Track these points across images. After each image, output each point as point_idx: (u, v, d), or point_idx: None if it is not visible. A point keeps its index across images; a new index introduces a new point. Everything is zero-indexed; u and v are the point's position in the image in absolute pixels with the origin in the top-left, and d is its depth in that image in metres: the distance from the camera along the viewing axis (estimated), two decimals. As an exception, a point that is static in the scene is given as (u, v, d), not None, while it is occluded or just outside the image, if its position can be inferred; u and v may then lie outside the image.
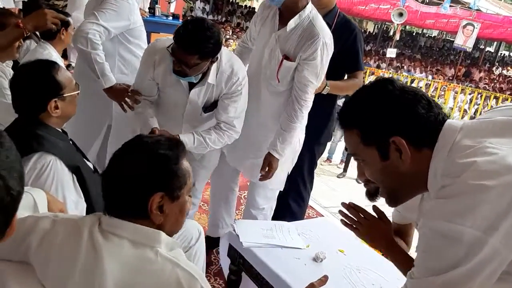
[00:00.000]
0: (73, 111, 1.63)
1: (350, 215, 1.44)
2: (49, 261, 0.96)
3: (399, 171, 0.96)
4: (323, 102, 2.43)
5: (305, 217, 2.95)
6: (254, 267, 1.93)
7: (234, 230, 2.05)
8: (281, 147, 2.23)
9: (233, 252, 2.06)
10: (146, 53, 2.15)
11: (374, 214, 1.44)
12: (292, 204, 2.61)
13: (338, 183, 5.43)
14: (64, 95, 1.56)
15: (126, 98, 2.27)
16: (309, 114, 2.27)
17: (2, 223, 0.57)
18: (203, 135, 2.10)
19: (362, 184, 1.47)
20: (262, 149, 2.30)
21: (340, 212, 1.49)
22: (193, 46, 1.85)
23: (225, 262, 2.28)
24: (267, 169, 2.26)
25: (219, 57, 2.01)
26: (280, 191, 2.55)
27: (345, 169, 5.97)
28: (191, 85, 2.07)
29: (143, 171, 1.02)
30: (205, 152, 2.17)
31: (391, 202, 1.08)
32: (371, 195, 1.41)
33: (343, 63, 2.50)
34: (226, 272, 2.33)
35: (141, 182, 1.02)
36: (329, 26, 2.40)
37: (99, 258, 0.94)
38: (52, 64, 1.58)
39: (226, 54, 2.09)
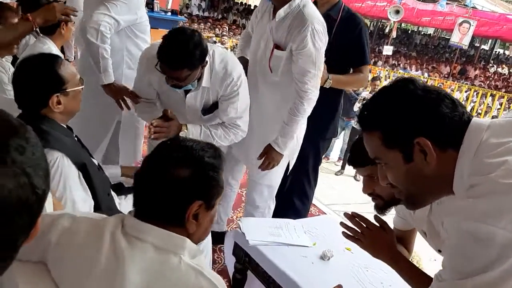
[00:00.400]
0: (77, 106, 1.58)
1: (352, 226, 1.41)
2: (67, 262, 0.93)
3: (423, 174, 0.92)
4: (328, 97, 2.40)
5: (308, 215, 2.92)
6: (260, 265, 1.90)
7: (240, 228, 2.02)
8: (282, 140, 2.22)
9: (238, 251, 2.03)
10: (141, 59, 2.12)
11: (376, 223, 1.41)
12: (296, 202, 2.58)
13: (336, 181, 5.43)
14: (67, 90, 1.51)
15: (126, 97, 2.24)
16: (314, 108, 2.25)
17: (27, 224, 0.53)
18: (210, 129, 2.09)
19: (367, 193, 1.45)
20: (264, 144, 2.28)
21: (342, 224, 1.46)
22: (179, 63, 1.82)
23: (229, 261, 2.25)
24: (264, 158, 2.25)
25: (211, 58, 1.99)
26: (284, 189, 2.53)
27: (343, 167, 5.97)
28: (187, 90, 2.05)
29: (188, 177, 0.97)
30: None
31: (412, 206, 1.04)
32: (380, 209, 1.38)
33: (349, 57, 2.48)
34: (230, 270, 2.30)
35: (183, 189, 0.97)
36: (334, 20, 2.38)
37: (120, 262, 0.90)
38: (55, 58, 1.54)
39: (219, 54, 2.05)
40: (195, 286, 0.91)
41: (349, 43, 2.41)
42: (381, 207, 1.37)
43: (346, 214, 1.44)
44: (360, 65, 2.53)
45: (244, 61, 2.31)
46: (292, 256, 1.88)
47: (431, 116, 0.90)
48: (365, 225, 1.39)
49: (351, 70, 2.57)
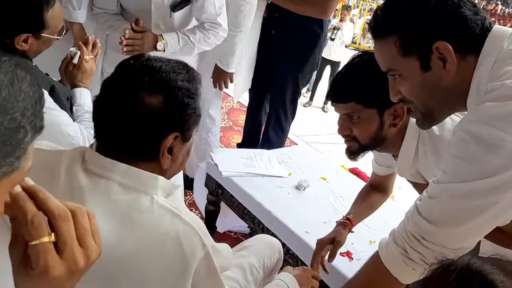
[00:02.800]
0: (41, 50, 1.39)
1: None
2: None
3: (441, 84, 0.85)
4: (307, 28, 2.25)
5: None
6: (234, 197, 1.85)
7: (212, 159, 1.94)
8: (223, 58, 2.20)
9: (211, 182, 1.96)
10: None
11: None
12: (271, 134, 2.49)
13: (304, 112, 5.38)
14: (42, 35, 1.32)
15: None
16: (293, 40, 2.11)
17: None
18: (187, 34, 1.88)
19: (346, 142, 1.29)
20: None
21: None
22: None
23: (199, 193, 2.19)
24: (213, 79, 2.27)
25: None
26: (257, 120, 2.43)
27: (311, 98, 5.92)
28: None
29: (159, 106, 0.82)
30: (192, 55, 1.99)
31: (427, 123, 0.96)
32: (352, 153, 1.24)
33: None
34: (199, 202, 2.25)
35: (155, 120, 0.82)
36: None
37: (78, 202, 0.78)
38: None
39: None
40: (169, 231, 0.79)
41: None
42: (355, 151, 1.23)
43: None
44: None
45: None
46: (267, 187, 1.83)
47: (452, 18, 0.82)
48: None
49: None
